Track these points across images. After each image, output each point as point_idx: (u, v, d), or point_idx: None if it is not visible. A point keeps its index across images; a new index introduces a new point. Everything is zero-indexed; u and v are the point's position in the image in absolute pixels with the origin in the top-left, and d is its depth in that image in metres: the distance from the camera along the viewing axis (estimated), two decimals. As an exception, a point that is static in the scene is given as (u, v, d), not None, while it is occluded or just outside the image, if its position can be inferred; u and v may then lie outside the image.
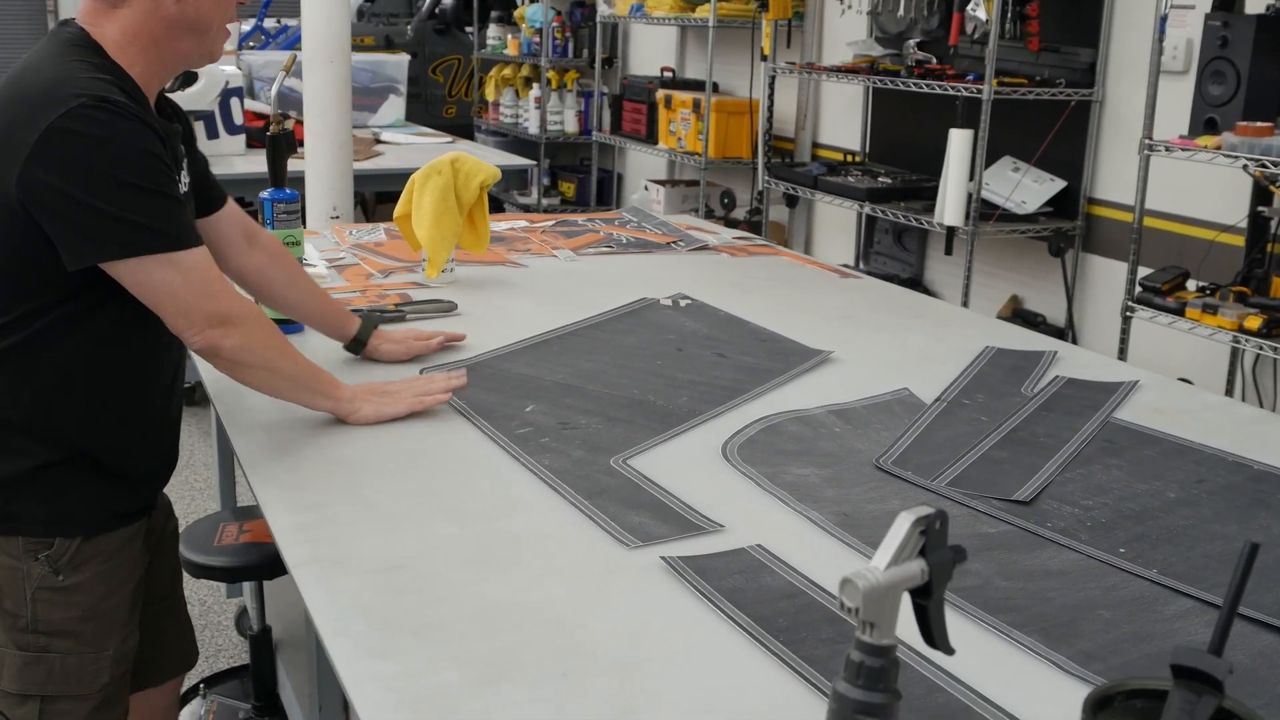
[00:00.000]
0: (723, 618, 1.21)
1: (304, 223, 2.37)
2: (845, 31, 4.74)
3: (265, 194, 2.12)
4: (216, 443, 2.87)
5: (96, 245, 1.44)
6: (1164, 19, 2.98)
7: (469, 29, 8.09)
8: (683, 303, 2.39)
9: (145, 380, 1.62)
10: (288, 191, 2.13)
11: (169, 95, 1.71)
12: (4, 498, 1.53)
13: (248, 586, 2.65)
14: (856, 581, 0.73)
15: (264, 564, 2.31)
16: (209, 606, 3.12)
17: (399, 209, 2.52)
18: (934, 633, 0.79)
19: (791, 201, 5.06)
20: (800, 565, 1.33)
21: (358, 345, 1.96)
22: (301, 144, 3.60)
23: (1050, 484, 1.59)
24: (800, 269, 2.81)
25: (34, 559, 1.53)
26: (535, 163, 5.89)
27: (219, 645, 2.94)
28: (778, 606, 1.24)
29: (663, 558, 1.32)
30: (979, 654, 1.16)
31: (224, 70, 4.36)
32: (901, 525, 0.75)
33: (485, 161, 2.55)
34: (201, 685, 2.62)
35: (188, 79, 4.21)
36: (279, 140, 2.13)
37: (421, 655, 1.11)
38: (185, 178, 1.66)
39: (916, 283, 4.44)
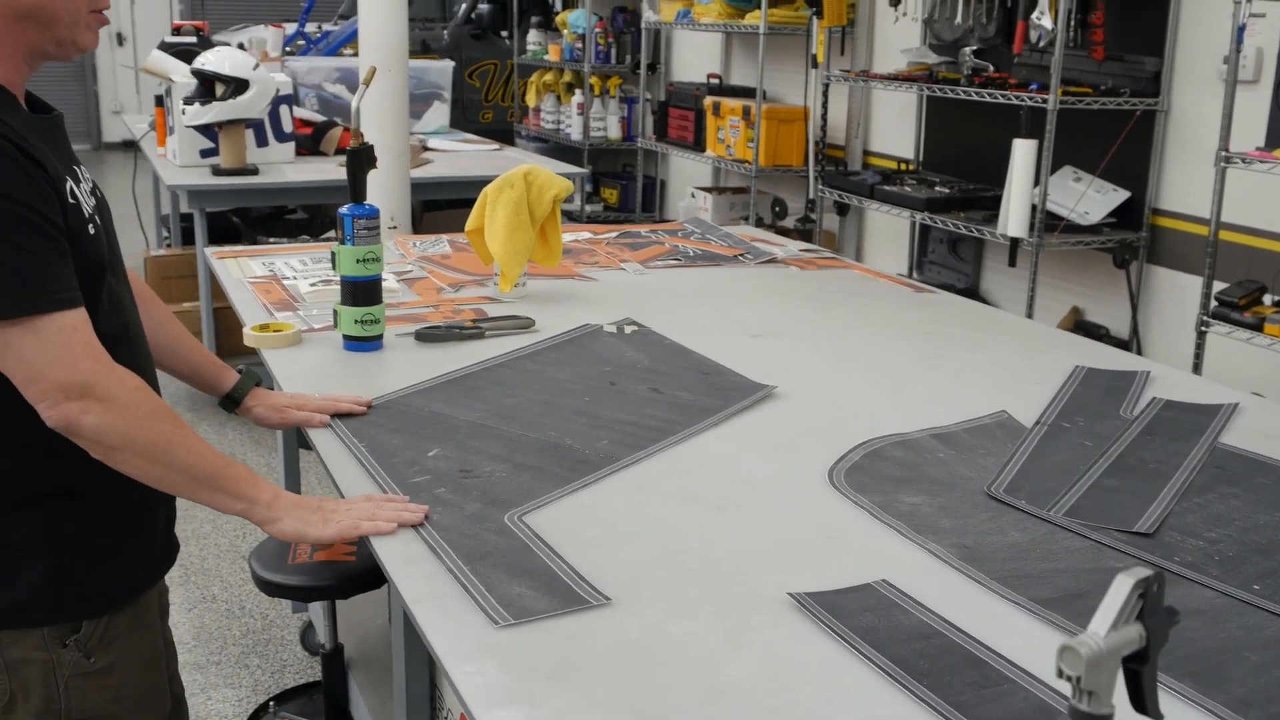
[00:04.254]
0: (858, 657, 1.18)
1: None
2: (897, 39, 4.70)
3: (345, 209, 2.08)
4: (283, 455, 2.85)
5: None
6: (1241, 28, 2.93)
7: (505, 34, 8.07)
8: (629, 330, 2.25)
9: None
10: (368, 206, 2.10)
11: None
12: (22, 589, 1.38)
13: (318, 604, 2.63)
14: (1079, 649, 0.70)
15: (339, 584, 2.29)
16: (271, 620, 3.10)
17: (471, 223, 2.50)
18: (1146, 699, 0.76)
19: (843, 210, 5.02)
20: (928, 602, 1.29)
21: (230, 403, 1.75)
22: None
23: (1169, 514, 1.55)
24: (874, 283, 2.77)
25: (62, 646, 1.41)
26: (588, 170, 5.86)
27: (284, 660, 2.91)
28: (915, 647, 1.20)
29: (790, 594, 1.29)
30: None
31: (275, 78, 4.35)
32: (1121, 588, 0.72)
33: (558, 174, 2.52)
34: (271, 703, 2.61)
35: (239, 87, 4.18)
36: (359, 155, 2.09)
37: (562, 699, 1.08)
38: (86, 177, 1.44)
39: (973, 293, 4.39)
